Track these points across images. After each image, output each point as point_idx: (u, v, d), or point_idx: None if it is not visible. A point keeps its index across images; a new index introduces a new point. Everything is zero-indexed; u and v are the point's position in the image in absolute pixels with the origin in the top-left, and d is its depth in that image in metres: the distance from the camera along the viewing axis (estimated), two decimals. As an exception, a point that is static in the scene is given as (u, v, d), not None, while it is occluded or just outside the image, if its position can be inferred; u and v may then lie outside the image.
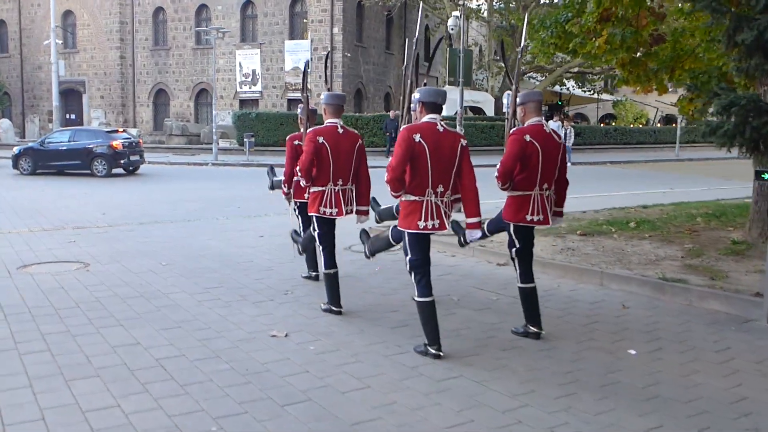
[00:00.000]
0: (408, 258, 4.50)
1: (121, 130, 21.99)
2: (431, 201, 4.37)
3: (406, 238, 4.49)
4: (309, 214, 5.44)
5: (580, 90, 42.09)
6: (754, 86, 7.22)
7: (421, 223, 4.36)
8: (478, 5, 35.14)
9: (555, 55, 15.14)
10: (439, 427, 3.47)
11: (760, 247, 7.29)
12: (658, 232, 8.60)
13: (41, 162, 19.08)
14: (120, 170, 19.08)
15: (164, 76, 37.03)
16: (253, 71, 34.52)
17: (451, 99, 17.20)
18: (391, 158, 4.40)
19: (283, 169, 6.09)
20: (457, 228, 5.33)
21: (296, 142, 6.04)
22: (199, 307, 5.61)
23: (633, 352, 4.66)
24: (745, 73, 5.77)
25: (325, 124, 5.32)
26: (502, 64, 36.73)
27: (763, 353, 4.66)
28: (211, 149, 25.64)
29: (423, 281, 4.48)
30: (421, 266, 4.48)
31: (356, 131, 5.53)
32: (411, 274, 4.52)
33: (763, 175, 5.35)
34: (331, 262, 5.45)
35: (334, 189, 5.27)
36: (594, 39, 9.39)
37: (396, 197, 4.51)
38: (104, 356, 4.40)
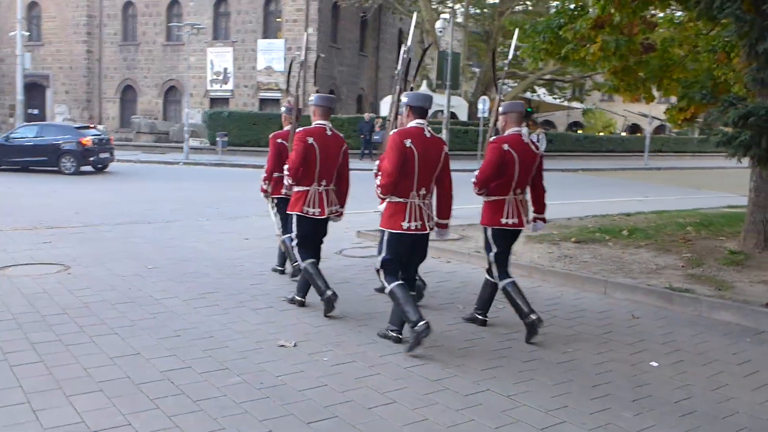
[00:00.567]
0: (381, 257, 4.61)
1: (92, 126, 21.28)
2: (415, 203, 4.55)
3: (386, 238, 4.60)
4: (291, 213, 5.42)
5: (550, 97, 42.57)
6: (753, 96, 7.23)
7: (405, 224, 4.52)
8: (454, 10, 35.21)
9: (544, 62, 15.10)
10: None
11: (757, 258, 7.32)
12: (653, 240, 8.58)
13: (5, 158, 18.32)
14: (89, 168, 18.44)
15: (132, 72, 36.10)
16: (225, 69, 33.92)
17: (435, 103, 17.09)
18: (380, 162, 4.59)
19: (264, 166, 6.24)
20: (472, 318, 5.37)
21: (279, 140, 6.24)
22: (197, 315, 5.31)
23: (655, 364, 4.55)
24: (761, 83, 5.75)
25: (313, 125, 5.34)
26: (476, 70, 37.10)
27: (784, 366, 4.59)
28: (182, 148, 25.02)
29: (390, 276, 4.58)
30: (391, 265, 4.61)
31: (341, 135, 5.60)
32: (379, 273, 4.64)
33: None
34: (308, 257, 5.38)
35: (318, 189, 5.31)
36: (588, 46, 9.36)
37: (383, 200, 4.62)
38: (104, 368, 4.07)
